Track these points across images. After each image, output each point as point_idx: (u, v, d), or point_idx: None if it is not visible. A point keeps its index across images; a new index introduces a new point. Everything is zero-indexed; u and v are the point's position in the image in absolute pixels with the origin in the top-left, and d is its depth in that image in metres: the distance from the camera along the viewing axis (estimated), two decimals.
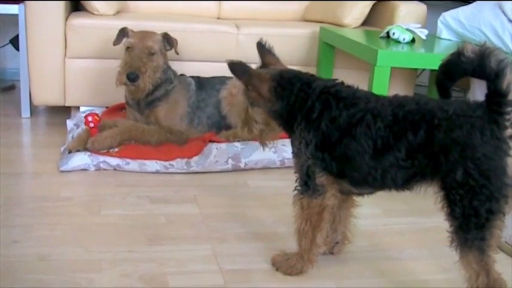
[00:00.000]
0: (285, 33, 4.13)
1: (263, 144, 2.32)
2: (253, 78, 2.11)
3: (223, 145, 3.37)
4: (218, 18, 4.61)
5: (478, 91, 3.49)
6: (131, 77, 3.29)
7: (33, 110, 4.21)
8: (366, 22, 4.49)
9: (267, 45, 2.29)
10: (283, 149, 3.31)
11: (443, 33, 3.99)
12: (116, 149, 3.26)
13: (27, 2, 3.77)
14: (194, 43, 3.97)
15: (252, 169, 3.32)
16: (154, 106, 3.50)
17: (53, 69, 3.88)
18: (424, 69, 4.93)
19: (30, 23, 3.80)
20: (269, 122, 2.21)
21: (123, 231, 2.50)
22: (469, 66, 1.83)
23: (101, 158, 3.19)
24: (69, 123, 3.74)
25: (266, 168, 3.33)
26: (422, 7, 4.36)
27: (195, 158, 3.26)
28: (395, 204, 2.90)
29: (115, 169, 3.18)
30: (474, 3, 3.92)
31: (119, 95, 3.61)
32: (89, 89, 3.94)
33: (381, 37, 3.74)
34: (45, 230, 2.46)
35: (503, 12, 3.61)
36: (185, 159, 3.24)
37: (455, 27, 3.90)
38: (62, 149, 3.34)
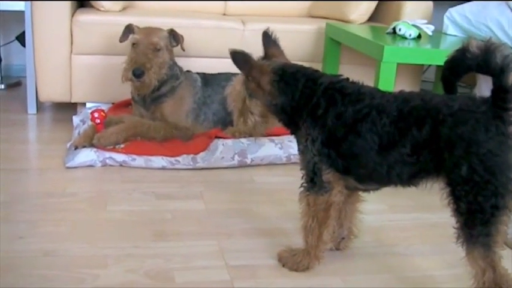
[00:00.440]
0: (291, 29, 4.12)
1: (255, 136, 2.31)
2: (254, 69, 2.11)
3: (229, 141, 3.37)
4: (224, 15, 4.61)
5: (484, 87, 3.48)
6: (137, 73, 3.29)
7: (39, 106, 4.21)
8: (372, 18, 4.48)
9: (273, 36, 2.27)
10: (289, 145, 3.31)
11: (450, 29, 3.98)
12: (122, 145, 3.26)
13: None
14: (200, 39, 3.97)
15: (258, 165, 3.32)
16: (160, 102, 3.50)
17: (59, 66, 3.88)
18: (430, 65, 4.92)
19: (36, 20, 3.81)
20: (266, 114, 2.22)
21: (128, 227, 2.50)
22: (474, 62, 1.82)
23: (107, 154, 3.19)
24: (75, 119, 3.74)
25: (272, 164, 3.33)
26: (428, 3, 4.34)
27: (201, 154, 3.26)
28: (400, 200, 2.89)
29: (121, 165, 3.18)
30: None
31: (125, 91, 3.61)
32: (95, 85, 3.95)
33: (387, 33, 3.73)
34: (51, 225, 2.46)
35: (510, 8, 3.60)
36: (191, 155, 3.24)
37: (462, 23, 3.89)
38: (68, 145, 3.34)
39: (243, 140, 3.38)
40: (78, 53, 3.89)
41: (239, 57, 2.10)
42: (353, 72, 4.08)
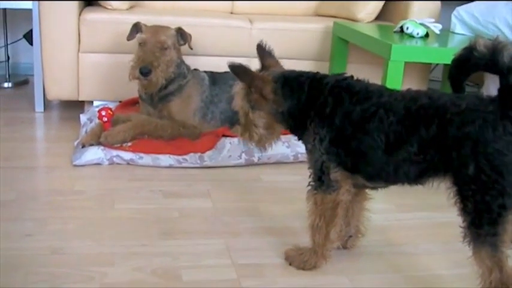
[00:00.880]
0: (299, 28, 4.12)
1: (262, 148, 2.30)
2: (255, 79, 2.11)
3: (236, 140, 3.37)
4: (231, 13, 4.60)
5: (492, 86, 3.47)
6: (144, 71, 3.29)
7: (47, 104, 4.22)
8: (379, 17, 4.47)
9: (267, 47, 2.27)
10: (296, 144, 3.30)
11: (457, 27, 3.98)
12: (129, 143, 3.26)
13: None
14: (208, 38, 3.97)
15: (266, 164, 3.32)
16: (168, 100, 3.50)
17: (66, 64, 3.89)
18: (437, 64, 4.91)
19: (44, 18, 3.81)
20: (272, 125, 2.21)
21: (136, 225, 2.50)
22: (481, 60, 1.82)
23: (114, 152, 3.19)
24: (83, 117, 3.75)
25: (279, 163, 3.33)
26: (436, 2, 4.33)
27: (209, 153, 3.26)
28: (408, 199, 2.89)
29: (128, 163, 3.19)
30: None
31: (132, 90, 3.62)
32: (103, 83, 3.95)
33: (395, 32, 3.73)
34: (59, 223, 2.47)
35: None
36: (198, 154, 3.24)
37: (469, 22, 3.88)
38: (76, 143, 3.35)
39: None
40: (85, 51, 3.90)
41: (239, 69, 2.11)
42: (360, 71, 4.07)
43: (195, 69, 3.69)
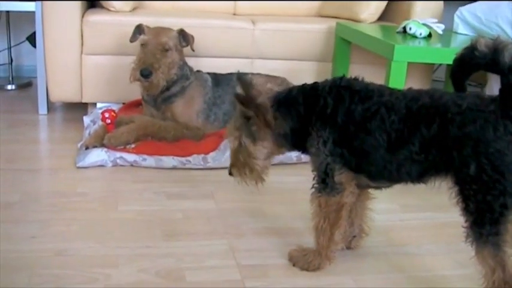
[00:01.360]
0: (301, 29, 4.13)
1: (261, 180, 2.28)
2: (260, 107, 2.10)
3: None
4: (234, 14, 4.61)
5: (495, 86, 3.47)
6: (144, 73, 3.30)
7: (50, 106, 4.23)
8: (382, 17, 4.47)
9: (247, 80, 2.22)
10: None
11: (460, 27, 3.97)
12: (133, 145, 3.27)
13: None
14: (210, 39, 3.97)
15: None
16: (171, 102, 3.51)
17: (69, 66, 3.89)
18: (440, 64, 4.91)
19: (47, 20, 3.82)
20: (273, 152, 2.22)
21: (140, 226, 2.51)
22: (482, 60, 1.82)
23: (118, 154, 3.20)
24: (86, 119, 3.75)
25: (283, 164, 3.32)
26: (438, 2, 4.33)
27: (212, 154, 3.26)
28: (411, 200, 2.89)
29: (132, 165, 3.19)
30: None
31: (136, 91, 3.62)
32: (106, 85, 3.96)
33: (398, 32, 3.73)
34: (62, 225, 2.47)
35: None
36: (202, 155, 3.25)
37: (472, 22, 3.88)
38: (79, 145, 3.35)
39: None
40: (88, 53, 3.90)
41: (246, 99, 2.09)
42: (363, 72, 4.06)
43: (198, 71, 3.69)
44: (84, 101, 4.02)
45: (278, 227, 2.56)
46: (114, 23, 3.87)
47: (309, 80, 3.90)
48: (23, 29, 5.04)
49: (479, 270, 1.86)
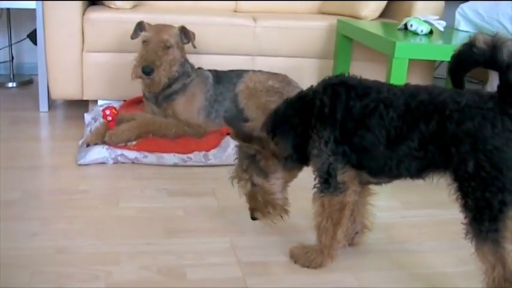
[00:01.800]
0: (302, 26, 4.12)
1: (286, 212, 2.27)
2: (261, 139, 2.10)
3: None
4: (235, 11, 4.60)
5: (496, 83, 3.46)
6: (146, 70, 3.30)
7: (51, 104, 4.23)
8: (383, 14, 4.47)
9: (234, 118, 2.21)
10: None
11: (461, 24, 3.97)
12: (134, 142, 3.26)
13: None
14: (211, 36, 3.97)
15: None
16: (172, 99, 3.51)
17: (70, 63, 3.89)
18: (442, 61, 4.90)
19: (48, 18, 3.82)
20: (287, 178, 2.22)
21: (141, 224, 2.51)
22: (480, 57, 1.83)
23: (119, 151, 3.20)
24: (87, 116, 3.75)
25: None
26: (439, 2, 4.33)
27: (213, 151, 3.26)
28: (413, 197, 2.89)
29: (133, 162, 3.19)
30: None
31: (137, 89, 3.62)
32: (107, 82, 3.95)
33: (399, 29, 3.72)
34: (64, 222, 2.47)
35: None
36: (203, 152, 3.24)
37: (474, 19, 3.87)
38: (80, 142, 3.34)
39: None
40: (89, 50, 3.90)
41: (250, 137, 2.09)
42: (365, 69, 4.08)
43: (199, 68, 3.69)
44: (85, 98, 4.02)
45: (279, 224, 2.54)
46: (115, 21, 3.87)
47: (310, 77, 3.93)
48: (23, 26, 5.04)
49: (480, 267, 1.86)
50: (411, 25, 3.62)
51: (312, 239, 2.22)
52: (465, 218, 1.86)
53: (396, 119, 1.93)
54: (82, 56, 3.90)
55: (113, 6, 3.97)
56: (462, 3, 4.01)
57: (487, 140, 1.79)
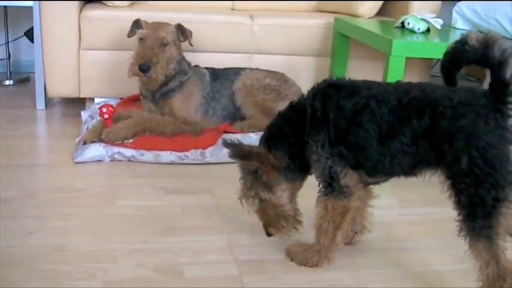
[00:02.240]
0: (300, 24, 4.12)
1: (299, 224, 2.27)
2: (260, 155, 2.11)
3: (238, 136, 3.36)
4: (232, 9, 4.60)
5: None
6: (143, 67, 3.29)
7: (48, 101, 4.22)
8: (380, 12, 4.47)
9: (231, 139, 2.21)
10: None
11: (458, 23, 3.97)
12: (131, 140, 3.26)
13: None
14: (208, 34, 3.97)
15: None
16: (169, 97, 3.51)
17: (67, 61, 3.89)
18: (439, 60, 4.89)
19: (45, 15, 3.81)
20: (293, 188, 2.22)
21: (138, 222, 2.51)
22: (472, 54, 1.84)
23: (116, 149, 3.19)
24: (84, 114, 3.75)
25: None
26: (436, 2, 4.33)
27: (210, 149, 3.26)
28: (410, 195, 2.89)
29: (130, 160, 3.19)
30: None
31: (134, 86, 3.62)
32: (104, 80, 3.95)
33: (396, 27, 3.72)
34: (60, 220, 2.47)
35: None
36: (200, 150, 3.24)
37: (471, 17, 3.88)
38: (77, 140, 3.35)
39: (251, 134, 3.38)
40: (86, 48, 3.90)
41: (249, 153, 2.11)
42: (362, 67, 4.09)
43: (196, 66, 3.69)
44: (82, 96, 4.01)
45: None
46: (112, 18, 3.86)
47: (307, 75, 3.93)
48: (20, 24, 5.04)
49: (475, 264, 1.87)
50: (408, 23, 3.62)
51: (309, 237, 2.22)
52: (459, 215, 1.87)
53: (387, 114, 1.94)
54: (79, 54, 3.90)
55: (109, 4, 3.98)
56: (459, 1, 4.01)
57: (480, 137, 1.81)
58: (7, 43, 4.96)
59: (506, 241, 1.86)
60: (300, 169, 2.17)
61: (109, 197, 2.73)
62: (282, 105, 3.47)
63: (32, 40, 4.30)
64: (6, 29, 4.92)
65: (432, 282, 2.18)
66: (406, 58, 3.08)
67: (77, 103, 4.15)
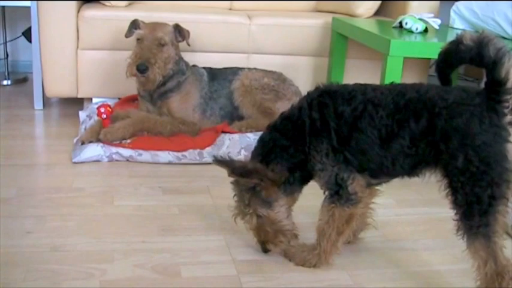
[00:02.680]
0: (298, 24, 4.12)
1: (296, 236, 2.28)
2: (257, 170, 2.10)
3: (236, 136, 3.37)
4: (230, 9, 4.60)
5: None
6: (141, 68, 3.29)
7: (46, 101, 4.22)
8: (378, 12, 4.47)
9: (223, 157, 2.19)
10: None
11: (456, 22, 3.97)
12: (129, 140, 3.26)
13: None
14: (206, 34, 3.97)
15: None
16: (167, 97, 3.51)
17: (65, 61, 3.89)
18: None
19: (43, 15, 3.81)
20: (290, 202, 2.22)
21: (136, 221, 2.51)
22: (467, 54, 1.86)
23: (114, 149, 3.19)
24: (82, 114, 3.75)
25: None
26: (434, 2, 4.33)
27: (208, 149, 3.26)
28: (408, 194, 2.89)
29: (128, 160, 3.19)
30: None
31: (131, 86, 3.62)
32: (102, 80, 3.95)
33: (394, 27, 3.72)
34: (58, 220, 2.47)
35: None
36: (198, 150, 3.24)
37: (469, 17, 3.87)
38: (75, 140, 3.34)
39: (249, 134, 3.38)
40: (84, 48, 3.90)
41: (248, 170, 2.10)
42: (360, 67, 4.09)
43: (194, 66, 3.69)
44: (79, 96, 4.01)
45: None
46: (110, 18, 3.86)
47: (305, 75, 3.93)
48: (18, 24, 5.04)
49: (473, 264, 1.87)
50: (406, 23, 3.62)
51: (307, 238, 2.23)
52: (456, 214, 1.88)
53: (386, 118, 1.95)
54: (77, 54, 3.90)
55: (107, 4, 3.98)
56: (457, 1, 4.01)
57: (476, 136, 1.82)
58: (5, 43, 4.97)
59: (504, 238, 1.86)
60: (298, 181, 2.17)
61: (107, 197, 2.72)
62: (280, 105, 3.49)
63: (29, 40, 4.30)
64: (4, 29, 4.92)
65: (431, 281, 2.19)
66: (404, 58, 3.08)
67: (75, 103, 4.15)
